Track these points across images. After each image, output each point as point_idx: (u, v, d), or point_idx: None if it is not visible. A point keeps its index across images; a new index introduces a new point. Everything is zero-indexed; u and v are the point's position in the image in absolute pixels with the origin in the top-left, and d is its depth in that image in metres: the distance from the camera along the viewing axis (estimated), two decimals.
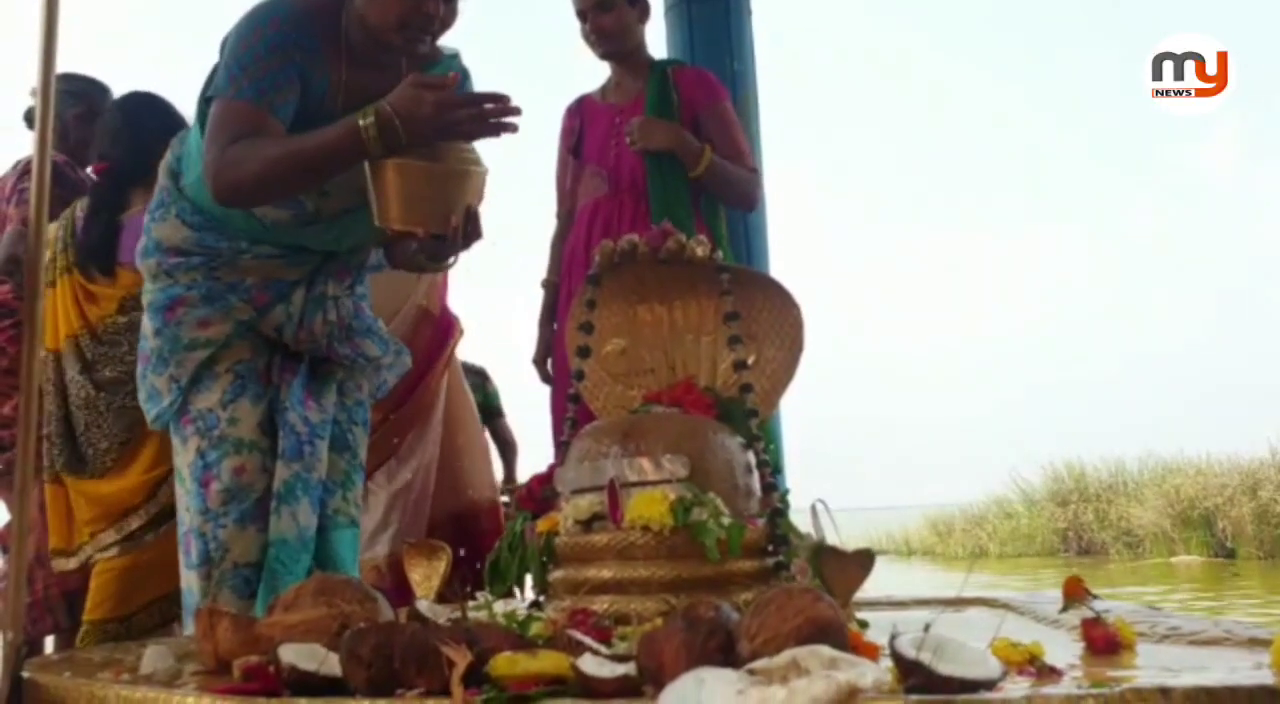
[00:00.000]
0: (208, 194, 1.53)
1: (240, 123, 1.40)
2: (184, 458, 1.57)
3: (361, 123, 1.29)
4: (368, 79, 1.50)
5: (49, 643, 2.29)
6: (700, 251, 1.40)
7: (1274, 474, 9.77)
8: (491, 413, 4.65)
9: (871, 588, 1.29)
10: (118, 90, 2.48)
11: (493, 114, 1.31)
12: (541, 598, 1.32)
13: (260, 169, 1.37)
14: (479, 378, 4.69)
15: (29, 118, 2.47)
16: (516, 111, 1.32)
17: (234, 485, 1.53)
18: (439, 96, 1.28)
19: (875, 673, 0.67)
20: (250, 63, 1.42)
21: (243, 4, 1.51)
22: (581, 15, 2.41)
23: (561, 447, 1.42)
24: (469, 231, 1.39)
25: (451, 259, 1.46)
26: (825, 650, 0.71)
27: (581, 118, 2.52)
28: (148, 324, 1.60)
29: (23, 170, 2.33)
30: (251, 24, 1.46)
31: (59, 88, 2.47)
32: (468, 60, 1.66)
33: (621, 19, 2.40)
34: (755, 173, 2.42)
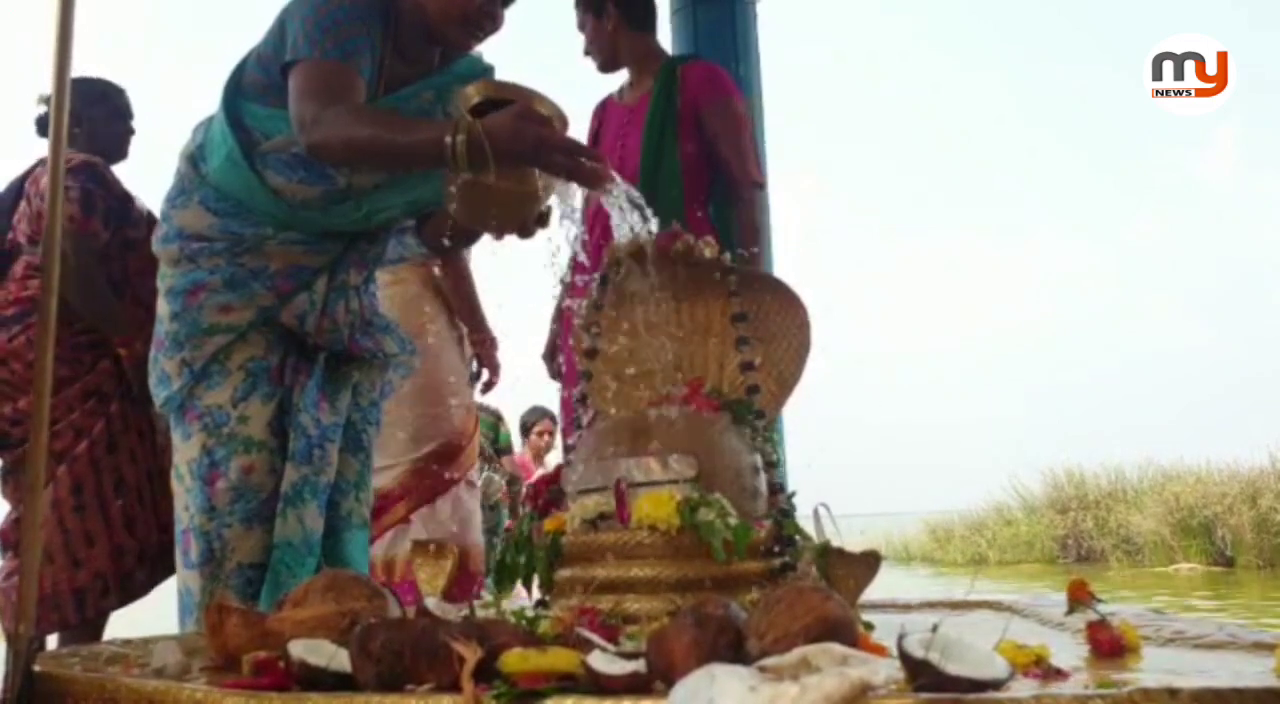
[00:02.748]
0: (231, 180, 1.54)
1: (335, 82, 1.42)
2: (185, 454, 1.56)
3: (450, 139, 1.26)
4: (405, 71, 1.53)
5: (51, 641, 2.30)
6: (708, 253, 1.41)
7: (1274, 483, 9.78)
8: (502, 450, 5.13)
9: (872, 593, 1.30)
10: (139, 92, 2.53)
11: (587, 170, 1.28)
12: (547, 597, 1.32)
13: (351, 139, 1.37)
14: (493, 417, 5.04)
15: (41, 124, 2.49)
16: (610, 178, 1.30)
17: (241, 484, 1.52)
18: (540, 135, 1.25)
19: (887, 670, 0.68)
20: (332, 26, 1.44)
21: (248, 7, 1.53)
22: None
23: (568, 447, 1.43)
24: (525, 234, 1.40)
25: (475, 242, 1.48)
26: (837, 648, 0.72)
27: (601, 119, 2.55)
28: (165, 308, 1.60)
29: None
30: None
31: (81, 90, 2.53)
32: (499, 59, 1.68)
33: (594, 33, 2.47)
34: (755, 182, 2.37)
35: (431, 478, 2.46)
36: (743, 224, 2.28)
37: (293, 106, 1.43)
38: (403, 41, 1.53)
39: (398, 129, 1.36)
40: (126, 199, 2.41)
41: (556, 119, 1.38)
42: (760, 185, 2.40)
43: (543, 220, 1.42)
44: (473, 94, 1.40)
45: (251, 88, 1.54)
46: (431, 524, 2.44)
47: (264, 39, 1.54)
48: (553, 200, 1.41)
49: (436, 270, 2.56)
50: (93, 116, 2.49)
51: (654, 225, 1.38)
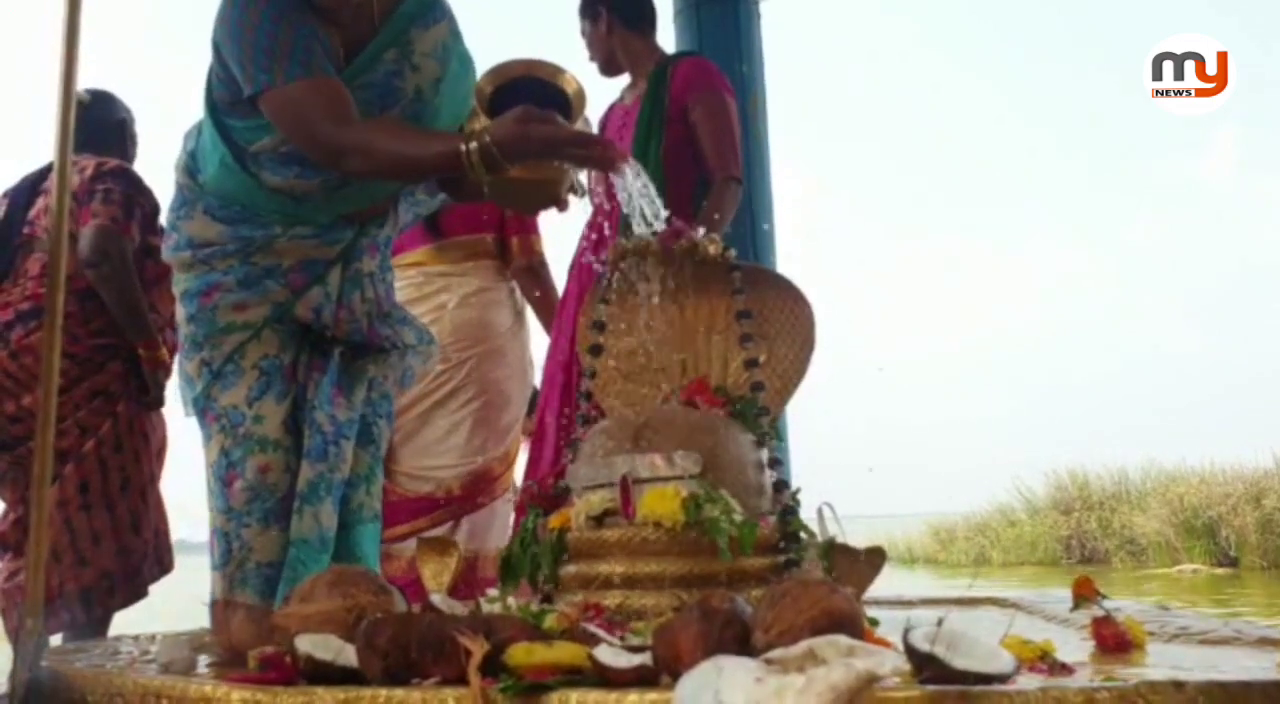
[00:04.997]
0: (230, 186, 1.54)
1: (320, 102, 1.41)
2: (208, 456, 1.55)
3: (463, 148, 1.32)
4: (350, 31, 1.50)
5: (53, 641, 2.31)
6: (712, 250, 1.41)
7: (1278, 483, 9.74)
8: None
9: (875, 593, 1.30)
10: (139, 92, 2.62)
11: (599, 155, 1.33)
12: (553, 593, 1.32)
13: (377, 166, 1.42)
14: None
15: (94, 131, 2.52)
16: (622, 156, 1.35)
17: (258, 484, 1.51)
18: (545, 133, 1.30)
19: (893, 661, 0.68)
20: (270, 45, 1.41)
21: None
22: None
23: (572, 444, 1.43)
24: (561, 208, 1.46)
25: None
26: (843, 640, 0.72)
27: (604, 125, 2.57)
28: (181, 312, 1.60)
29: (95, 172, 2.37)
30: (237, 5, 1.43)
31: (125, 105, 2.60)
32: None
33: (591, 37, 2.52)
34: (729, 176, 2.34)
35: (490, 483, 2.49)
36: (705, 214, 2.25)
37: (294, 138, 1.43)
38: (326, 6, 1.48)
39: (418, 145, 1.41)
40: (157, 208, 2.46)
41: (575, 94, 1.41)
42: (735, 180, 2.34)
43: (574, 189, 1.47)
44: (485, 86, 1.42)
45: (222, 103, 1.53)
46: (485, 533, 2.46)
47: (212, 57, 1.53)
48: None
49: (518, 288, 2.61)
50: (133, 133, 2.59)
51: (661, 210, 1.40)
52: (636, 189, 1.35)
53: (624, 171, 1.33)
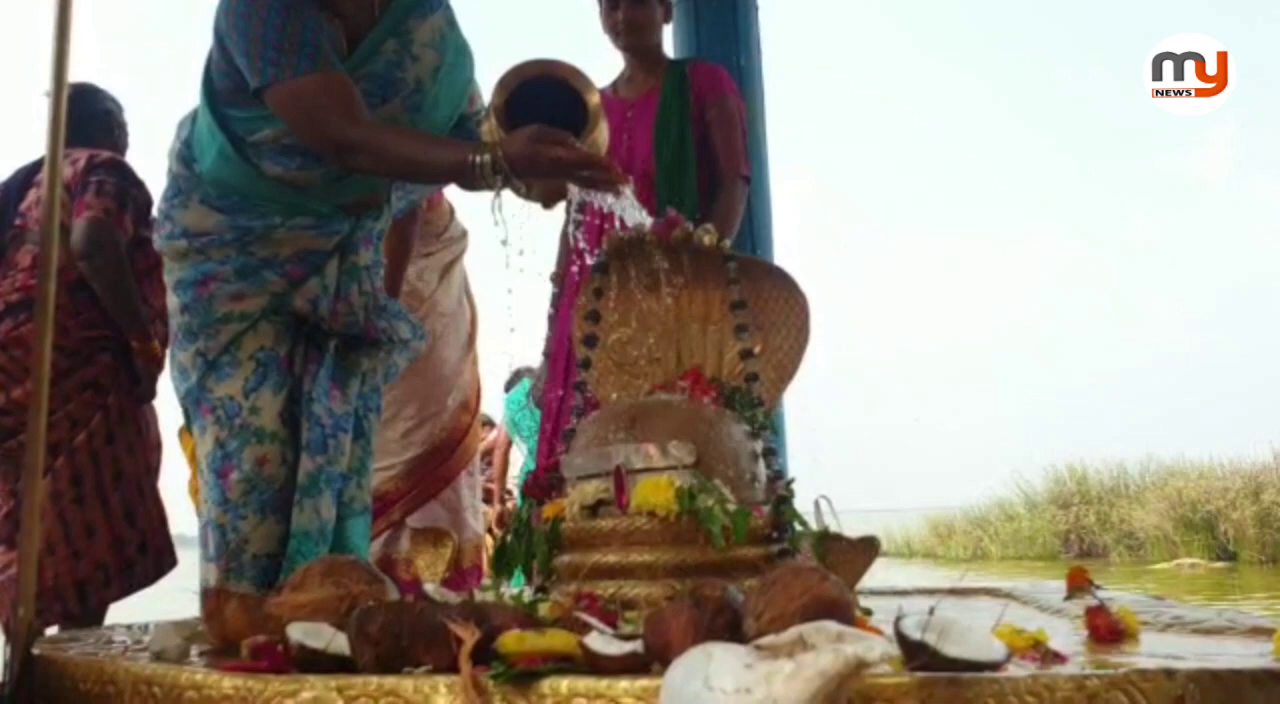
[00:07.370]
0: (228, 176, 1.53)
1: (334, 95, 1.42)
2: (203, 448, 1.55)
3: (475, 160, 1.36)
4: (353, 26, 1.50)
5: (49, 633, 2.31)
6: (707, 240, 1.41)
7: (1276, 478, 9.76)
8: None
9: (871, 586, 1.30)
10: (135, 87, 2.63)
11: (604, 178, 1.37)
12: (546, 583, 1.32)
13: (387, 165, 1.47)
14: None
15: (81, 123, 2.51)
16: (625, 181, 1.39)
17: (255, 476, 1.51)
18: (555, 156, 1.33)
19: (882, 647, 0.68)
20: (277, 36, 1.40)
21: None
22: (612, 4, 2.44)
23: (567, 434, 1.43)
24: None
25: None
26: (832, 626, 0.72)
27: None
28: (174, 301, 1.59)
29: (88, 164, 2.36)
30: None
31: (106, 95, 2.60)
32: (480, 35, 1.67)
33: (651, 13, 2.46)
34: (740, 174, 2.41)
35: (426, 479, 2.46)
36: (719, 210, 2.32)
37: (301, 132, 1.44)
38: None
39: (429, 151, 1.44)
40: (150, 201, 2.45)
41: (594, 109, 1.44)
42: (745, 178, 2.43)
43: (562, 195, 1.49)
44: (498, 97, 1.44)
45: (223, 93, 1.52)
46: (424, 516, 2.44)
47: (212, 46, 1.51)
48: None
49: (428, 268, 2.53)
50: (121, 122, 2.58)
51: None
52: (628, 208, 1.40)
53: (626, 194, 1.37)
